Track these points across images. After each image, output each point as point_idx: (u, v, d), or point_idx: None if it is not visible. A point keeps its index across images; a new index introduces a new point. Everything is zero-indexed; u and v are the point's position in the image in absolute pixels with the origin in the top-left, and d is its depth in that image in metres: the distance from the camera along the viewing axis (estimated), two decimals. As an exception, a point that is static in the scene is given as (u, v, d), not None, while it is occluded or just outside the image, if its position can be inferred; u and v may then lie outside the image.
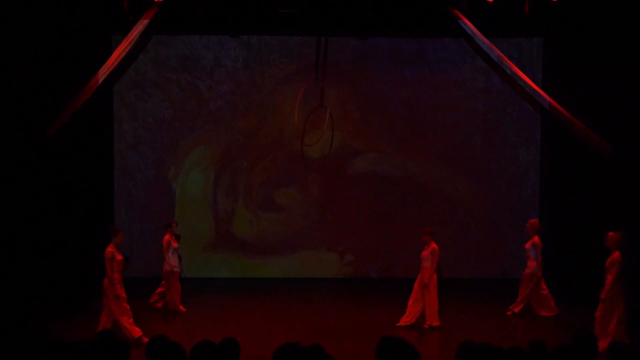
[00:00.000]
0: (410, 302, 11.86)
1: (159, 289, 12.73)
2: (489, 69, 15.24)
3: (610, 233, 10.73)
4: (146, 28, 12.58)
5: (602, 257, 13.09)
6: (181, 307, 12.63)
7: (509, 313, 12.78)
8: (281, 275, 15.15)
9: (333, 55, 15.44)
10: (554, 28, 14.91)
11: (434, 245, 11.70)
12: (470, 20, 12.77)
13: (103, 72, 12.32)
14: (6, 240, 11.53)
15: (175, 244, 12.56)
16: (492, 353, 5.81)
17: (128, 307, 10.65)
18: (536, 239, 12.74)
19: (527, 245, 12.80)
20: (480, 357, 5.64)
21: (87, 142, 14.79)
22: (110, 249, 10.62)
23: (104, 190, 15.36)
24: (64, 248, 14.25)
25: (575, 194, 14.53)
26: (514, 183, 15.76)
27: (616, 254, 10.59)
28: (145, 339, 10.11)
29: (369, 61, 15.66)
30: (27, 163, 11.75)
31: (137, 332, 10.55)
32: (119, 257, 10.65)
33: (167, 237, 12.55)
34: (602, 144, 12.14)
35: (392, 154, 15.74)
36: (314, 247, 15.74)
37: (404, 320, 11.81)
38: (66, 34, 13.73)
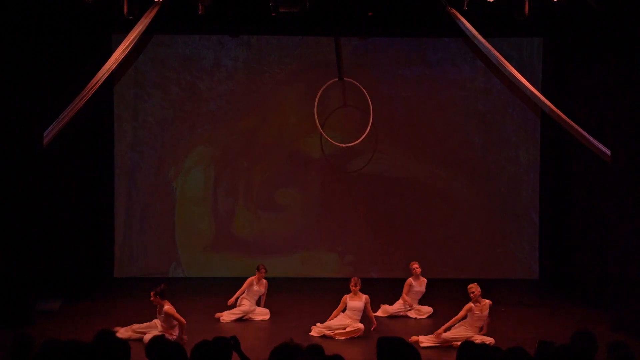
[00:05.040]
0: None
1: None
2: (489, 69, 15.23)
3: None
4: (146, 28, 12.57)
5: (602, 257, 13.11)
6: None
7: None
8: (281, 275, 15.14)
9: (333, 55, 15.42)
10: (554, 28, 14.91)
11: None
12: (470, 20, 12.76)
13: (102, 74, 12.30)
14: (5, 240, 11.52)
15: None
16: (492, 353, 5.83)
17: None
18: None
19: None
20: (480, 357, 5.65)
21: (87, 142, 14.79)
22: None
23: (104, 190, 15.35)
24: (64, 248, 14.26)
25: (575, 194, 14.52)
26: (514, 183, 15.75)
27: None
28: None
29: (369, 61, 15.66)
30: (27, 163, 11.73)
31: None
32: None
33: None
34: (601, 151, 12.13)
35: (392, 154, 15.74)
36: (314, 247, 15.74)
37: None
38: (66, 34, 13.73)
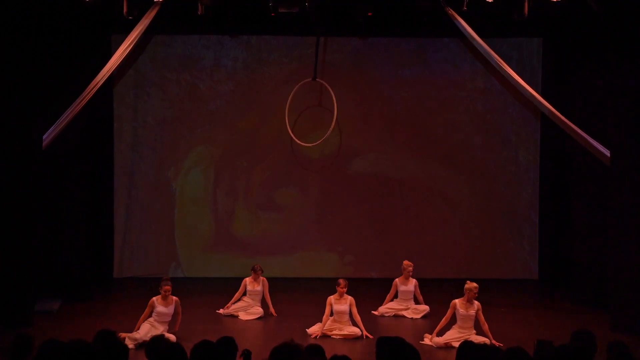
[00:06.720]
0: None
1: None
2: (487, 70, 15.22)
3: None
4: (146, 28, 12.58)
5: (602, 257, 13.12)
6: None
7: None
8: (281, 275, 15.15)
9: (333, 55, 15.44)
10: (554, 28, 14.91)
11: None
12: (469, 21, 12.75)
13: (102, 75, 12.31)
14: (5, 240, 11.53)
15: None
16: (492, 353, 5.84)
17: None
18: None
19: None
20: (480, 357, 5.66)
21: (87, 142, 14.79)
22: None
23: (103, 190, 15.35)
24: (64, 248, 14.26)
25: (575, 194, 14.52)
26: (513, 183, 15.75)
27: None
28: None
29: (369, 61, 15.66)
30: (26, 164, 11.74)
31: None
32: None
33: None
34: (601, 152, 12.14)
35: (392, 154, 15.73)
36: (314, 247, 15.73)
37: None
38: (66, 34, 13.72)
